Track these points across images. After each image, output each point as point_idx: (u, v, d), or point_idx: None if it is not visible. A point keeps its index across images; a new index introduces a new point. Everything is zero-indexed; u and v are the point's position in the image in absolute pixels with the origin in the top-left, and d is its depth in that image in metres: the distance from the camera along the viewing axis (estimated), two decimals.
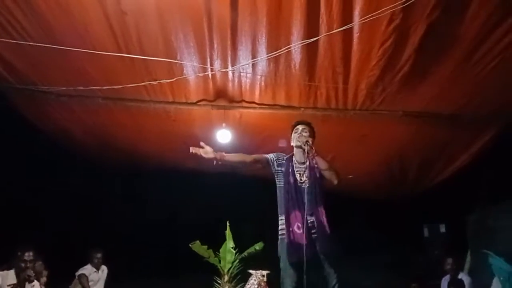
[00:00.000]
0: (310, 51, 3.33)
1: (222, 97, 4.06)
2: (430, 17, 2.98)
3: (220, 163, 2.90)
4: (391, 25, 3.00)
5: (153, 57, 3.31)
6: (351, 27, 3.01)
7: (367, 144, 4.51)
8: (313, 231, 2.84)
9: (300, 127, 3.06)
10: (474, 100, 3.90)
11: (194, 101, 4.04)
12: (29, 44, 3.26)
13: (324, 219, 2.87)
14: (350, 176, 4.93)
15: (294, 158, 3.06)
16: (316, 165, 2.99)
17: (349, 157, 4.69)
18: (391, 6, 2.75)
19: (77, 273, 4.81)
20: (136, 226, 5.40)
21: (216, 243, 3.48)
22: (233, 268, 3.36)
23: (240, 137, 4.49)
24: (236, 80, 3.84)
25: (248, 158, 3.08)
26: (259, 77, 3.76)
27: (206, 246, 3.43)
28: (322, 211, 2.89)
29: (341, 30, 2.98)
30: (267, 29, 3.21)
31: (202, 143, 2.86)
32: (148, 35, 3.22)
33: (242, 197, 5.44)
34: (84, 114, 4.22)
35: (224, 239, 3.53)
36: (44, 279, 4.12)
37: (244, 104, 4.13)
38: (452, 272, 4.65)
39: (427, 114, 4.11)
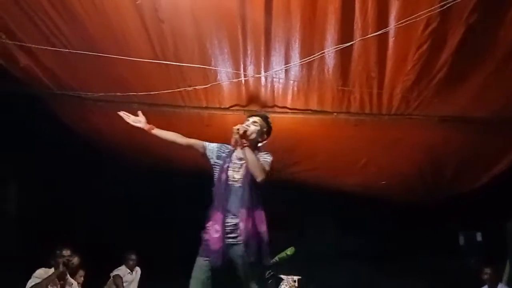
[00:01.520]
0: (344, 55, 3.31)
1: (254, 102, 4.08)
2: (468, 21, 2.91)
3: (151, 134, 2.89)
4: (428, 28, 2.95)
5: (188, 63, 3.37)
6: (387, 31, 2.99)
7: (401, 148, 4.43)
8: (231, 237, 2.50)
9: (251, 119, 2.71)
10: None
11: (227, 106, 4.09)
12: (70, 52, 3.38)
13: (255, 226, 2.50)
14: (383, 182, 4.88)
15: (234, 153, 2.69)
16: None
17: (383, 162, 4.63)
18: (428, 10, 2.71)
19: (112, 274, 4.95)
20: (169, 228, 5.49)
21: None
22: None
23: (271, 142, 4.49)
24: (269, 85, 3.86)
25: (183, 140, 2.84)
26: (291, 82, 3.77)
27: None
28: (256, 216, 2.53)
29: (376, 35, 2.95)
30: (301, 34, 3.22)
31: (139, 112, 2.85)
32: (184, 42, 3.28)
33: (273, 202, 5.43)
34: (120, 119, 4.32)
35: None
36: (81, 279, 4.24)
37: (276, 109, 4.13)
38: (490, 283, 4.51)
39: (463, 119, 4.01)
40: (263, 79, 3.74)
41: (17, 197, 5.37)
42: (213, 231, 2.49)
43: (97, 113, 4.31)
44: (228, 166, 2.63)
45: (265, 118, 2.79)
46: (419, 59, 3.21)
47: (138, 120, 2.85)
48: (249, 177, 2.55)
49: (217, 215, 2.52)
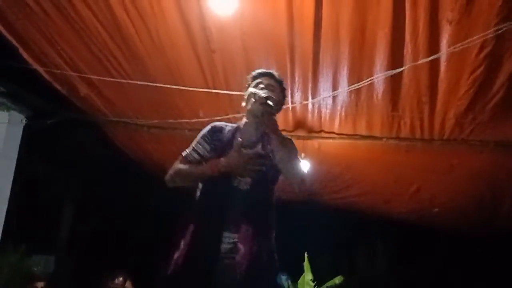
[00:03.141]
0: (394, 81, 3.28)
1: (301, 128, 4.10)
2: None
3: None
4: (482, 52, 2.86)
5: (237, 91, 3.45)
6: (438, 56, 2.94)
7: (455, 175, 4.27)
8: (225, 262, 1.73)
9: (264, 80, 1.99)
10: None
11: None
12: (127, 82, 3.58)
13: (260, 252, 1.77)
14: (436, 210, 4.70)
15: (238, 136, 1.95)
16: (271, 154, 1.87)
17: (435, 189, 4.47)
18: (482, 34, 2.65)
19: None
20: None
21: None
22: None
23: (318, 168, 4.47)
24: (316, 111, 3.87)
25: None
26: (339, 107, 3.76)
27: None
28: (264, 238, 1.82)
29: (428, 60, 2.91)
30: (349, 60, 3.22)
31: None
32: (234, 71, 3.38)
33: (317, 228, 5.36)
34: (172, 145, 4.47)
35: (298, 271, 3.49)
36: None
37: (323, 134, 4.13)
38: None
39: None
40: (310, 105, 3.76)
41: (72, 221, 5.60)
42: (190, 249, 1.76)
43: (150, 139, 4.49)
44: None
45: (276, 79, 2.05)
46: (473, 83, 3.11)
47: None
48: (260, 177, 1.85)
49: (201, 227, 1.80)
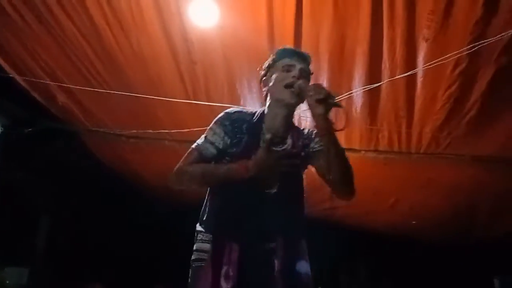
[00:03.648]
0: (372, 95, 3.33)
1: None
2: (498, 61, 2.89)
3: None
4: (457, 69, 2.95)
5: (218, 103, 3.46)
6: (415, 72, 3.01)
7: (432, 188, 4.35)
8: (260, 272, 1.50)
9: (296, 63, 1.69)
10: None
11: None
12: (106, 92, 3.55)
13: (296, 264, 1.56)
14: (414, 222, 4.77)
15: (263, 128, 1.69)
16: (308, 150, 1.69)
17: (413, 202, 4.55)
18: (457, 52, 2.73)
19: None
20: None
21: None
22: None
23: None
24: (296, 123, 3.89)
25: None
26: None
27: None
28: (300, 246, 1.62)
29: (404, 76, 2.98)
30: (329, 74, 3.26)
31: None
32: (215, 83, 3.39)
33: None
34: (152, 155, 4.45)
35: None
36: None
37: None
38: None
39: (496, 159, 3.92)
40: None
41: (48, 232, 5.48)
42: (227, 269, 1.48)
43: (130, 150, 4.44)
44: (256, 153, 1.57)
45: (307, 61, 1.75)
46: (449, 99, 3.19)
47: None
48: (291, 179, 1.63)
49: (233, 244, 1.51)
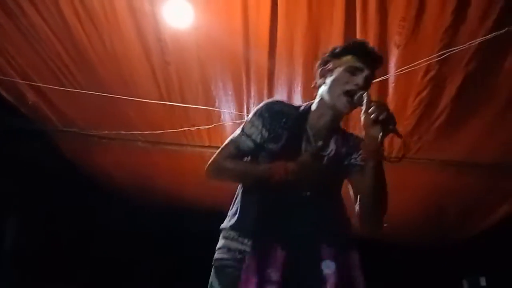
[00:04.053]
0: None
1: None
2: (467, 68, 2.98)
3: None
4: (427, 76, 3.02)
5: (192, 104, 3.45)
6: (386, 78, 3.06)
7: (403, 191, 4.41)
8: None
9: (365, 68, 1.53)
10: None
11: None
12: (78, 91, 3.48)
13: (356, 273, 1.44)
14: (385, 225, 4.85)
15: (308, 126, 1.60)
16: (350, 160, 1.60)
17: None
18: (427, 58, 2.79)
19: None
20: (177, 266, 5.44)
21: None
22: None
23: None
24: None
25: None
26: None
27: None
28: (351, 256, 1.48)
29: (376, 81, 3.02)
30: (303, 78, 3.29)
31: None
32: (189, 84, 3.37)
33: None
34: (124, 157, 4.38)
35: None
36: None
37: None
38: None
39: (465, 163, 4.02)
40: None
41: (16, 233, 5.33)
42: (268, 275, 1.35)
43: (102, 150, 4.36)
44: (297, 153, 1.49)
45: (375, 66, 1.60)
46: (419, 105, 3.26)
47: None
48: (331, 181, 1.56)
49: (276, 251, 1.39)
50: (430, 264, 5.50)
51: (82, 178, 4.76)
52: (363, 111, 1.40)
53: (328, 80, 1.57)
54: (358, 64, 1.52)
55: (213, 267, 1.60)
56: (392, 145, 3.80)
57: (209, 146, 4.14)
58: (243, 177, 1.58)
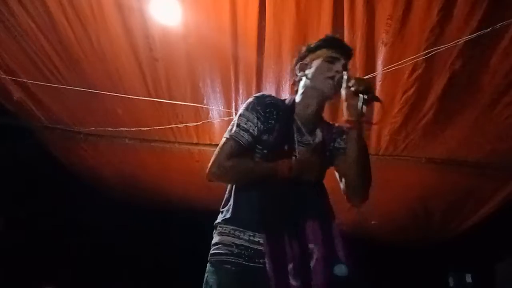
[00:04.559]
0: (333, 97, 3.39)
1: None
2: (452, 67, 3.01)
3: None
4: (414, 74, 3.04)
5: (180, 101, 3.43)
6: (374, 75, 3.08)
7: (390, 189, 4.45)
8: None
9: (342, 57, 1.70)
10: (499, 148, 3.85)
11: (218, 143, 4.13)
12: (64, 88, 3.44)
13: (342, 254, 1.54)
14: (373, 222, 4.88)
15: (296, 116, 1.69)
16: (334, 145, 1.71)
17: (373, 202, 4.61)
18: (413, 57, 2.82)
19: None
20: (160, 264, 5.41)
21: None
22: None
23: None
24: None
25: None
26: None
27: None
28: (337, 238, 1.57)
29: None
30: (291, 75, 3.29)
31: None
32: (177, 81, 3.35)
33: None
34: (111, 154, 4.34)
35: None
36: None
37: None
38: None
39: (451, 161, 4.06)
40: None
41: (1, 231, 5.27)
42: (288, 271, 1.42)
43: (88, 148, 4.33)
44: (291, 148, 1.59)
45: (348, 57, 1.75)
46: (406, 103, 3.29)
47: None
48: (319, 169, 1.61)
49: (291, 241, 1.47)
50: (415, 261, 5.56)
51: (68, 176, 4.71)
52: (343, 87, 1.57)
53: (309, 72, 1.73)
54: (335, 54, 1.69)
55: (209, 262, 1.61)
56: (379, 143, 3.84)
57: (197, 144, 4.13)
58: (248, 176, 1.60)
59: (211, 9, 2.89)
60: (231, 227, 1.58)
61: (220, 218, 1.66)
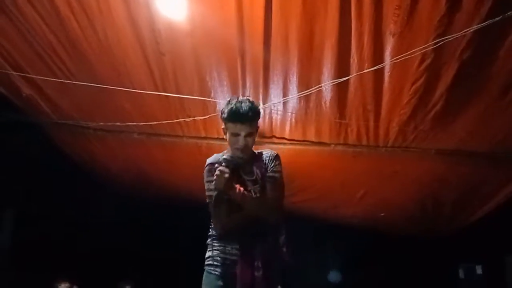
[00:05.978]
0: (341, 89, 3.37)
1: None
2: (462, 57, 2.97)
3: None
4: (423, 64, 3.01)
5: (188, 95, 3.44)
6: (382, 66, 3.05)
7: (399, 180, 4.44)
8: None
9: (242, 133, 2.09)
10: (509, 138, 3.81)
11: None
12: (72, 83, 3.45)
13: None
14: (382, 214, 4.87)
15: (239, 163, 2.20)
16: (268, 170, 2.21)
17: (381, 194, 4.63)
18: (422, 47, 2.78)
19: None
20: (167, 258, 5.44)
21: None
22: None
23: None
24: (267, 116, 3.90)
25: None
26: (289, 114, 3.82)
27: None
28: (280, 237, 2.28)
29: (372, 70, 3.02)
30: (298, 68, 3.28)
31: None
32: (184, 75, 3.35)
33: None
34: (119, 148, 4.37)
35: None
36: None
37: (275, 140, 4.16)
38: None
39: (460, 152, 4.03)
40: (261, 111, 3.78)
41: (12, 227, 5.33)
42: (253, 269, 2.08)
43: (97, 143, 4.35)
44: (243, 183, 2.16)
45: (254, 116, 2.14)
46: (415, 94, 3.26)
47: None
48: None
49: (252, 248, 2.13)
50: (426, 253, 5.54)
51: (77, 171, 4.74)
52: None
53: (226, 137, 2.16)
54: (237, 131, 2.08)
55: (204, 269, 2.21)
56: (388, 134, 3.82)
57: (205, 137, 4.13)
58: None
59: (217, 2, 2.88)
60: (218, 244, 2.18)
61: (209, 239, 2.23)
